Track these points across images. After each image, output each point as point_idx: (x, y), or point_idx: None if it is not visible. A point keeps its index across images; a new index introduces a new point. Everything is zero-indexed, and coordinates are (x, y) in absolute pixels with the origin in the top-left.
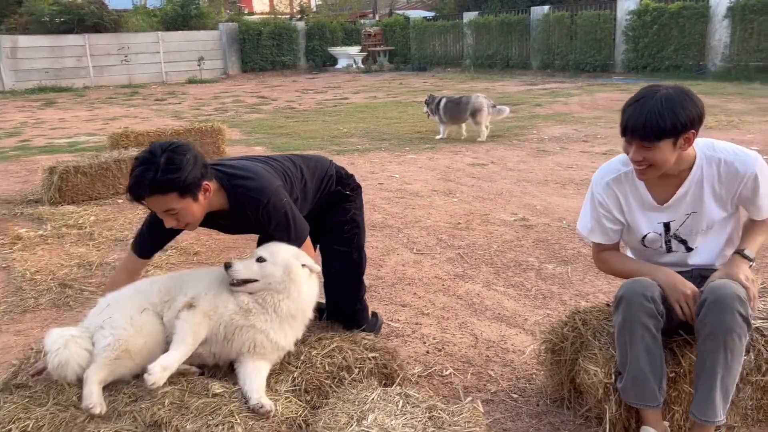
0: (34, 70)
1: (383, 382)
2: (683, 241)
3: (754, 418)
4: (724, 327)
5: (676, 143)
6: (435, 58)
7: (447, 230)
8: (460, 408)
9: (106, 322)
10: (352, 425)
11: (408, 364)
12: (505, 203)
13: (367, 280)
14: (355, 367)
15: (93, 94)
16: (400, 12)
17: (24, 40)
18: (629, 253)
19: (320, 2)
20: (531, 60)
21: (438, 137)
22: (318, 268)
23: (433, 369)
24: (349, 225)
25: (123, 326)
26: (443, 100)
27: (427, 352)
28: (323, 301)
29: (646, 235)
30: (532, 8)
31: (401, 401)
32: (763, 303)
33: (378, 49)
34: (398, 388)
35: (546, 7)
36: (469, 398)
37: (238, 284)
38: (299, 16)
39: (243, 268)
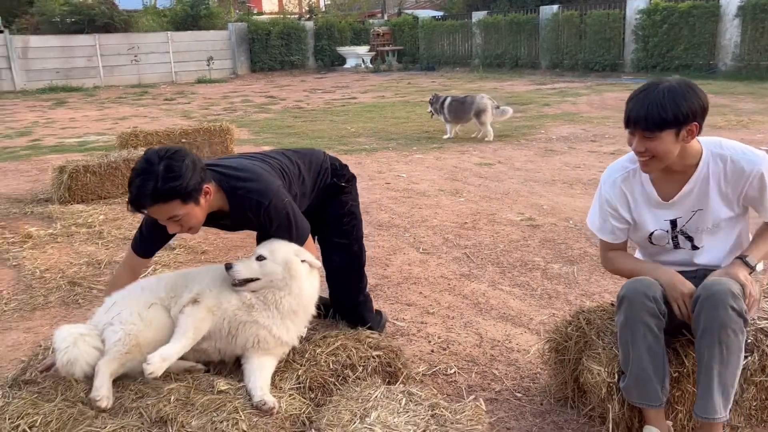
0: (45, 70)
1: (387, 380)
2: (690, 238)
3: (758, 418)
4: (717, 322)
5: (678, 135)
6: (443, 58)
7: (453, 230)
8: (463, 406)
9: (115, 318)
10: (355, 422)
11: (413, 362)
12: (512, 203)
13: (373, 279)
14: (359, 365)
15: (103, 94)
16: (409, 11)
17: (35, 41)
18: (638, 253)
19: (329, 2)
20: (540, 59)
21: (445, 137)
22: (318, 263)
23: (437, 368)
24: (348, 217)
25: (132, 321)
26: (448, 99)
27: (432, 351)
28: (326, 296)
29: (653, 233)
30: (541, 8)
31: (404, 399)
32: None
33: (386, 48)
34: (401, 386)
35: (555, 7)
36: (472, 396)
37: (240, 284)
38: (308, 15)
39: (243, 268)
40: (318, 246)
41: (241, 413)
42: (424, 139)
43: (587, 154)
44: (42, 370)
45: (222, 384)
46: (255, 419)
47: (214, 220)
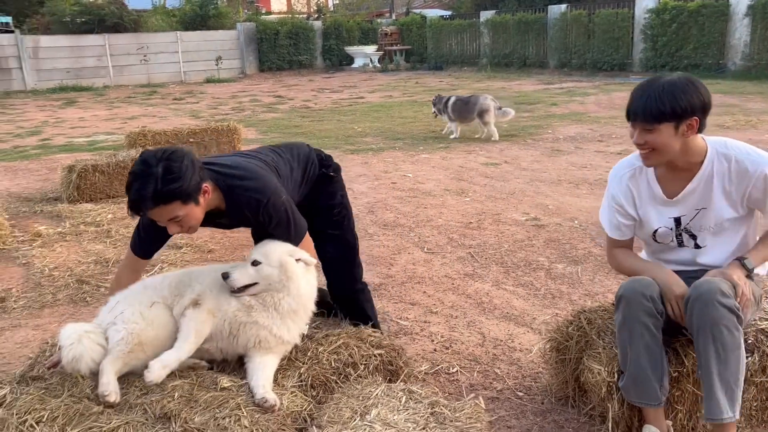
0: (55, 70)
1: (388, 378)
2: (693, 237)
3: (758, 418)
4: (709, 320)
5: (677, 129)
6: (451, 57)
7: (458, 229)
8: (462, 404)
9: (118, 317)
10: (355, 419)
11: (415, 361)
12: (517, 203)
13: (377, 278)
14: (361, 364)
15: (112, 94)
16: (417, 11)
17: (46, 41)
18: (643, 252)
19: (338, 1)
20: (548, 59)
21: (452, 137)
22: (314, 260)
23: (440, 366)
24: (338, 208)
25: (135, 320)
26: (452, 99)
27: (435, 349)
28: (327, 291)
29: (657, 230)
30: (550, 7)
31: (404, 397)
32: None
33: (394, 48)
34: (402, 384)
35: (563, 6)
36: (472, 395)
37: (239, 291)
38: (316, 15)
39: (240, 276)
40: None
41: (243, 410)
42: (431, 139)
43: (594, 154)
44: (49, 366)
45: (225, 381)
46: (257, 416)
47: (210, 219)
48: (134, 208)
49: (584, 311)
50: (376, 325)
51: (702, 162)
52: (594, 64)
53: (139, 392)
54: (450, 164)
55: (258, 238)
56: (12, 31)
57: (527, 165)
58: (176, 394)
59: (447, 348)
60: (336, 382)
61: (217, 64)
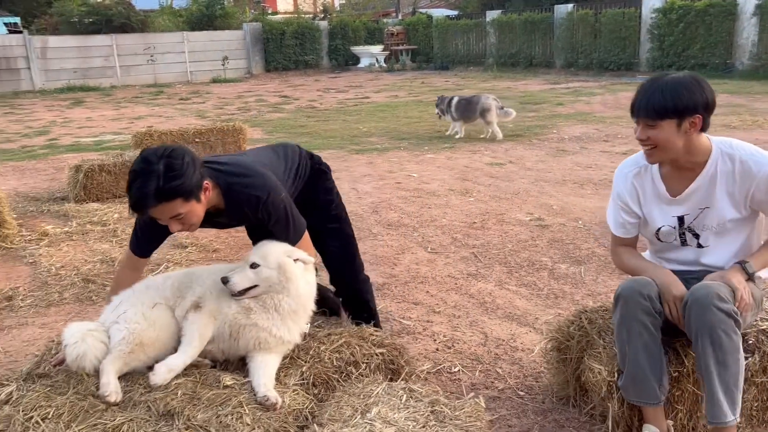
0: (63, 70)
1: (389, 377)
2: (696, 235)
3: (759, 419)
4: (707, 324)
5: (680, 126)
6: (457, 57)
7: (462, 229)
8: (462, 403)
9: (120, 317)
10: (356, 417)
11: (417, 360)
12: (521, 203)
13: (380, 277)
14: (363, 363)
15: (119, 94)
16: (423, 11)
17: (53, 41)
18: (648, 251)
19: (344, 1)
20: (554, 59)
21: (457, 137)
22: (312, 258)
23: (442, 366)
24: (336, 202)
25: (136, 320)
26: (455, 99)
27: (437, 349)
28: (331, 288)
29: (660, 228)
30: (556, 6)
31: (405, 395)
32: None
33: (400, 48)
34: (402, 383)
35: (570, 5)
36: (471, 393)
37: (240, 294)
38: (322, 15)
39: (240, 279)
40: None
41: (245, 407)
42: (436, 139)
43: (599, 154)
44: (55, 364)
45: (228, 379)
46: (259, 414)
47: (208, 218)
48: (136, 206)
49: (585, 311)
50: (377, 318)
51: (706, 161)
52: (600, 63)
53: (143, 390)
54: (455, 164)
55: (255, 237)
56: (21, 32)
57: (532, 165)
58: (179, 392)
59: (449, 347)
60: (338, 381)
61: (223, 64)
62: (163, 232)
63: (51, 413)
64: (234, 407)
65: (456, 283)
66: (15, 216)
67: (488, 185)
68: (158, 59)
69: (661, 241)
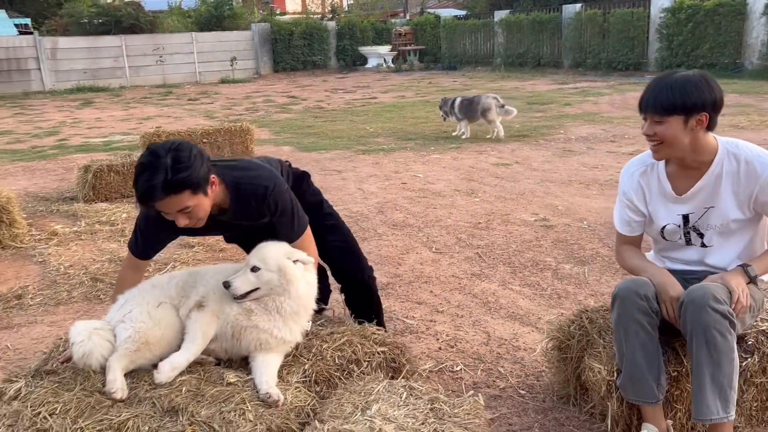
0: (73, 71)
1: (391, 375)
2: (701, 235)
3: (758, 419)
4: (702, 324)
5: (687, 123)
6: (465, 57)
7: (467, 230)
8: (462, 401)
9: (126, 316)
10: (356, 414)
11: (420, 359)
12: (526, 203)
13: (384, 277)
14: (364, 361)
15: (129, 94)
16: (431, 11)
17: (63, 42)
18: (652, 252)
19: (352, 2)
20: (562, 58)
21: (463, 137)
22: (311, 258)
23: (444, 365)
24: (325, 201)
25: (142, 319)
26: (458, 99)
27: (440, 348)
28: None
29: (665, 226)
30: (564, 6)
31: (405, 393)
32: None
33: (408, 48)
34: (403, 381)
35: (578, 5)
36: (471, 392)
37: (242, 298)
38: (330, 15)
39: (241, 284)
40: None
41: (248, 404)
42: (442, 139)
43: (605, 155)
44: (62, 361)
45: (231, 376)
46: (261, 410)
47: (209, 218)
48: (144, 198)
49: (586, 311)
50: (381, 317)
51: (712, 161)
52: (609, 63)
53: (148, 386)
54: (461, 164)
55: (241, 244)
56: (31, 33)
57: (538, 165)
58: (184, 389)
59: (452, 347)
60: (339, 378)
61: (231, 65)
62: (164, 237)
63: (59, 409)
64: (237, 404)
65: (460, 283)
66: (25, 216)
67: (494, 186)
68: (167, 60)
69: (666, 240)
